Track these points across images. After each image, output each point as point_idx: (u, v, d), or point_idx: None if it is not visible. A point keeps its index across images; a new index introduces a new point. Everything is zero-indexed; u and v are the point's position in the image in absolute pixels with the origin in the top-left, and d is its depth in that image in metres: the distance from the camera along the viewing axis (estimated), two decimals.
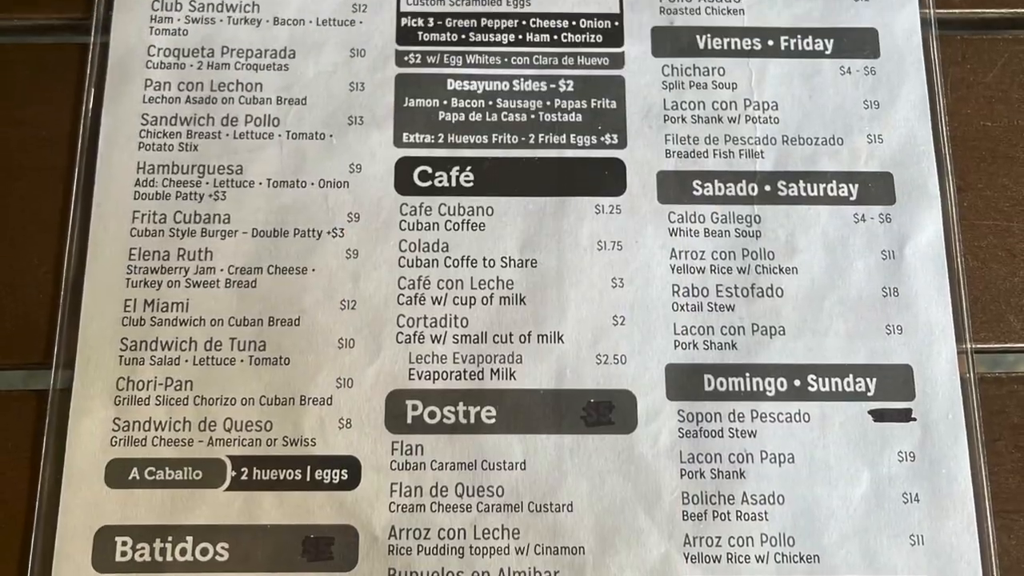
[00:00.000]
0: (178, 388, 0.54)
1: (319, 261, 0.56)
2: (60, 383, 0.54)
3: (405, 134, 0.58)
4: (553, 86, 0.59)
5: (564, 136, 0.58)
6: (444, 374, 0.54)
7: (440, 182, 0.57)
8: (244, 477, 0.53)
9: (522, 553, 0.52)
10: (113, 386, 0.54)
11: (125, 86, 0.59)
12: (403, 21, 0.60)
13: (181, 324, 0.55)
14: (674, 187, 0.57)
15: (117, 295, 0.55)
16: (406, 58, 0.59)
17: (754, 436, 0.54)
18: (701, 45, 0.60)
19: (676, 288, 0.56)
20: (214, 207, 0.56)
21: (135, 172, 0.57)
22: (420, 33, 0.60)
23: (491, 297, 0.55)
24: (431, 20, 0.60)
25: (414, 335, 0.55)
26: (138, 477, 0.52)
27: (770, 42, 0.60)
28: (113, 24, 0.60)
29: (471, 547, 0.52)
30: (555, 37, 0.60)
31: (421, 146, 0.58)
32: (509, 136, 0.58)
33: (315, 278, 0.55)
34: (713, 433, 0.54)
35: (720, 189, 0.58)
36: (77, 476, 0.52)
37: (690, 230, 0.57)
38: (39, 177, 0.58)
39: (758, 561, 0.52)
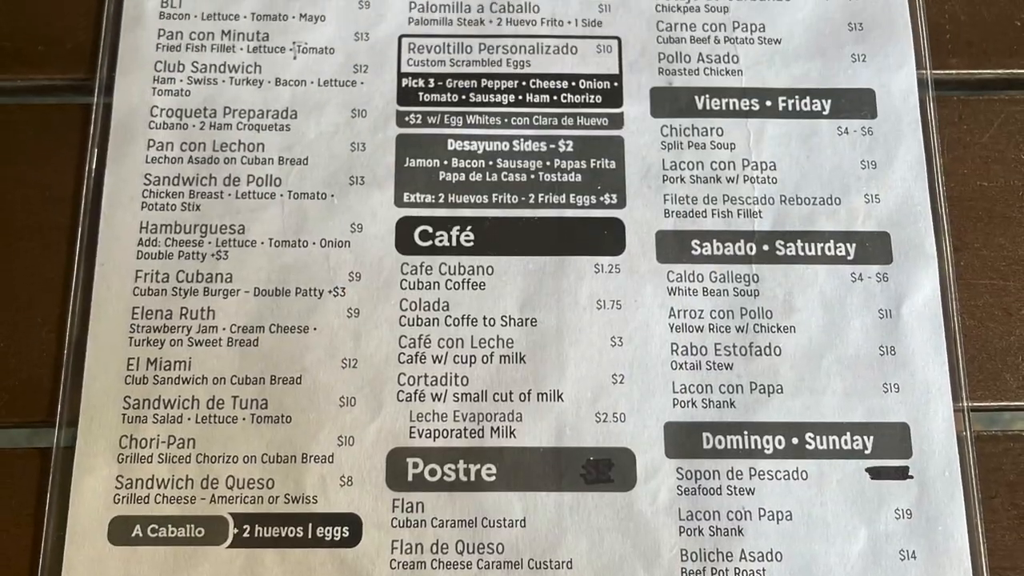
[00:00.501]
0: (180, 446, 0.56)
1: (321, 320, 0.58)
2: (64, 441, 0.56)
3: (406, 194, 0.60)
4: (553, 146, 0.62)
5: (564, 196, 0.61)
6: (445, 432, 0.56)
7: (441, 242, 0.60)
8: (246, 534, 0.55)
9: None
10: (116, 444, 0.56)
11: (128, 146, 0.61)
12: (404, 82, 0.63)
13: (183, 382, 0.57)
14: (673, 246, 0.60)
15: (120, 354, 0.57)
16: (407, 118, 0.62)
17: (752, 493, 0.56)
18: (700, 105, 0.63)
19: (675, 347, 0.58)
20: (216, 266, 0.59)
21: (138, 231, 0.59)
22: (421, 94, 0.62)
23: (491, 356, 0.58)
24: (432, 81, 0.63)
25: (415, 393, 0.57)
26: (141, 534, 0.54)
27: (768, 102, 0.63)
28: (116, 85, 0.62)
29: None
30: (555, 98, 0.63)
31: (422, 206, 0.60)
32: (509, 196, 0.61)
33: (317, 337, 0.58)
34: (712, 491, 0.56)
35: (719, 248, 0.60)
36: (80, 533, 0.54)
37: (689, 289, 0.59)
38: (43, 237, 0.60)
39: None
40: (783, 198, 0.61)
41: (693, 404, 0.57)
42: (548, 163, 0.61)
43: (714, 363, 0.58)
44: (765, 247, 0.60)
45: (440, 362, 0.58)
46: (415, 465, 0.56)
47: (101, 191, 0.60)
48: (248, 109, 0.62)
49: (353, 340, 0.58)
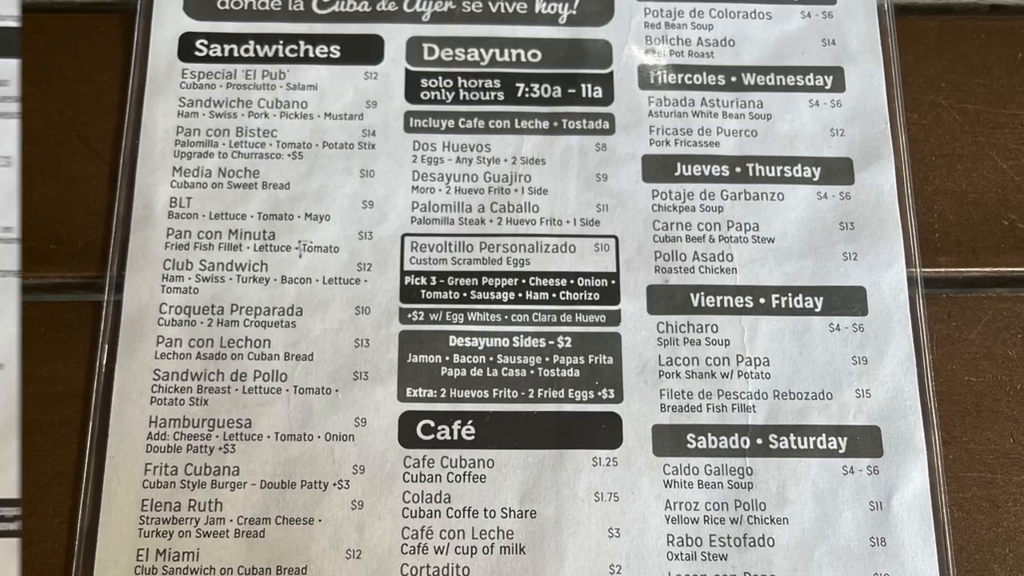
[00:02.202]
0: None
1: (325, 512, 0.64)
2: None
3: (409, 389, 0.67)
4: (552, 342, 0.68)
5: (562, 391, 0.67)
6: None
7: (443, 435, 0.66)
8: None
9: None
10: None
11: (138, 343, 0.67)
12: (406, 280, 0.69)
13: (192, 573, 0.63)
14: (669, 440, 0.66)
15: (130, 545, 0.63)
16: (409, 315, 0.68)
17: None
18: (695, 303, 0.69)
19: (671, 538, 0.64)
20: (224, 459, 0.65)
21: (147, 426, 0.65)
22: (423, 291, 0.69)
23: (492, 547, 0.64)
24: (434, 279, 0.69)
25: None
26: None
27: (762, 300, 0.69)
28: (126, 283, 0.68)
29: None
30: (554, 295, 0.69)
31: (424, 400, 0.66)
32: (509, 391, 0.67)
33: (321, 528, 0.64)
34: None
35: (713, 442, 0.66)
36: None
37: (684, 482, 0.65)
38: (54, 431, 0.66)
39: None
40: (776, 393, 0.67)
41: None
42: (547, 359, 0.68)
43: (709, 554, 0.64)
44: (759, 441, 0.66)
45: (442, 553, 0.64)
46: None
47: (111, 386, 0.66)
48: (255, 306, 0.68)
49: (357, 531, 0.64)
